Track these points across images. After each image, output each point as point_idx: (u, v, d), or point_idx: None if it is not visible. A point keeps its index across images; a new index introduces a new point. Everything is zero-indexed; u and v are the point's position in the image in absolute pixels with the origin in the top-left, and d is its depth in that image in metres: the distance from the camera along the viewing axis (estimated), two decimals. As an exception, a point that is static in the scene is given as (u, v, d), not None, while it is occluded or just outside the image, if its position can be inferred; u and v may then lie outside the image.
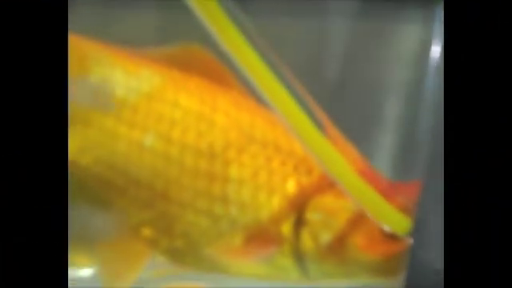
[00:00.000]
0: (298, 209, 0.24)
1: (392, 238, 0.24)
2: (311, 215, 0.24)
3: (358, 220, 0.24)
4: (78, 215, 0.23)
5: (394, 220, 0.24)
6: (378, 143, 0.25)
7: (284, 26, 0.24)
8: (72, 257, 0.21)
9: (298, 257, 0.24)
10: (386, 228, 0.24)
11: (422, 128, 0.26)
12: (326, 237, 0.24)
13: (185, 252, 0.24)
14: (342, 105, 0.24)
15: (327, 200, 0.24)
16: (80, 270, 0.24)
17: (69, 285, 0.20)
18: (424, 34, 0.25)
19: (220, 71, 0.24)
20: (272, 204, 0.23)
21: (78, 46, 0.23)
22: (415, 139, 0.26)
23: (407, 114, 0.25)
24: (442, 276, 0.21)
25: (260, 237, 0.24)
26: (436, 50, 0.25)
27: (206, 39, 0.22)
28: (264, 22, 0.23)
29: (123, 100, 0.24)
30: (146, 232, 0.24)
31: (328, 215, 0.24)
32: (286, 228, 0.24)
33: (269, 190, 0.23)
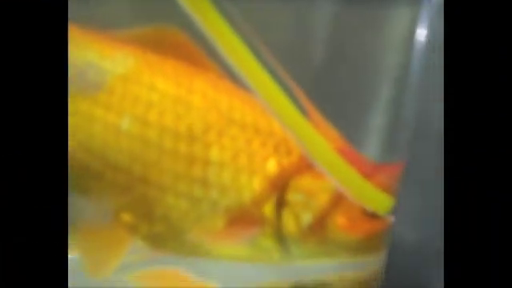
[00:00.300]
0: (279, 190, 0.23)
1: (373, 216, 0.24)
2: (292, 196, 0.24)
3: (339, 200, 0.24)
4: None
5: (375, 199, 0.24)
6: (366, 127, 0.25)
7: (269, 10, 0.23)
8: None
9: (280, 238, 0.24)
10: (367, 207, 0.24)
11: (407, 111, 0.26)
12: (306, 217, 0.24)
13: (165, 236, 0.24)
14: (330, 89, 0.24)
15: (307, 180, 0.24)
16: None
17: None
18: (410, 18, 0.25)
19: (195, 52, 0.23)
20: (253, 186, 0.23)
21: None
22: (401, 122, 0.26)
23: (395, 97, 0.25)
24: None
25: (242, 219, 0.23)
26: (421, 34, 0.25)
27: (179, 20, 0.22)
28: (248, 6, 0.22)
29: (99, 82, 0.23)
30: (126, 217, 0.24)
31: (308, 196, 0.24)
32: (268, 209, 0.23)
33: (250, 172, 0.23)
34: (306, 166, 0.24)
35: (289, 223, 0.23)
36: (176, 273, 0.24)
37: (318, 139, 0.23)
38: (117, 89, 0.23)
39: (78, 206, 0.23)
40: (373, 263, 0.26)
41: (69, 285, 0.20)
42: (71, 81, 0.23)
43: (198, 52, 0.23)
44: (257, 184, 0.23)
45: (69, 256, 0.24)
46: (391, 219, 0.25)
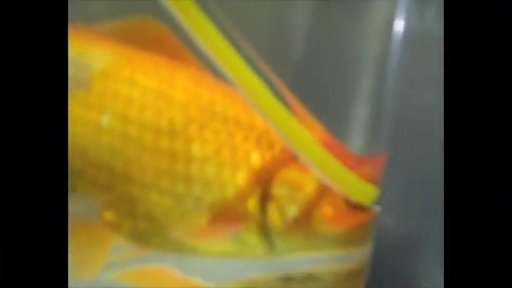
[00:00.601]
0: (263, 184, 0.23)
1: (358, 208, 0.24)
2: (277, 190, 0.23)
3: (324, 192, 0.24)
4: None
5: (361, 191, 0.24)
6: (349, 119, 0.25)
7: (248, 3, 0.23)
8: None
9: (265, 232, 0.23)
10: (352, 199, 0.24)
11: (386, 103, 0.25)
12: (292, 211, 0.23)
13: (149, 233, 0.23)
14: (311, 82, 0.24)
15: (292, 174, 0.23)
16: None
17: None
18: (388, 9, 0.25)
19: (175, 46, 0.23)
20: (237, 180, 0.23)
21: None
22: (383, 114, 0.26)
23: (375, 88, 0.25)
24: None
25: (226, 214, 0.23)
26: (399, 24, 0.25)
27: (159, 14, 0.22)
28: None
29: (79, 79, 0.23)
30: (109, 215, 0.23)
31: (293, 189, 0.23)
32: (252, 204, 0.23)
33: (233, 167, 0.23)
34: (289, 158, 0.23)
35: (274, 217, 0.23)
36: (163, 270, 0.24)
37: (303, 133, 0.23)
38: (97, 85, 0.23)
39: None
40: (360, 255, 0.26)
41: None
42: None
43: (178, 45, 0.23)
44: (240, 178, 0.23)
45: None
46: (377, 209, 0.25)
